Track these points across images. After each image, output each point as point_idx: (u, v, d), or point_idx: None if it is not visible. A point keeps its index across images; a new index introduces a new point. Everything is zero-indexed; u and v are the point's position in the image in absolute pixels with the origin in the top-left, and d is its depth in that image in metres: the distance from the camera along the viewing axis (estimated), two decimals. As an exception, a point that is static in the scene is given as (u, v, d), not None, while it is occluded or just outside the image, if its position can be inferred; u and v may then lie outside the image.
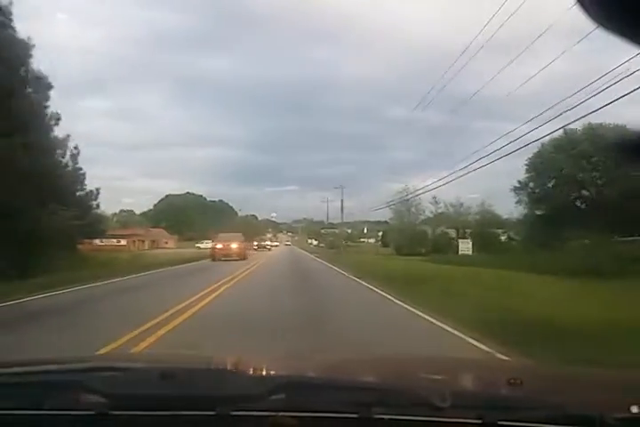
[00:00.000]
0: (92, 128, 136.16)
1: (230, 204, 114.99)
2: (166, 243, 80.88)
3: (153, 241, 74.89)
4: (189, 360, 2.00)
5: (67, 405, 1.24)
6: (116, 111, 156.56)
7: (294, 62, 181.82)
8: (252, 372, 1.41)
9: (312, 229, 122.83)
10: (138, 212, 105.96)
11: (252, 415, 1.19)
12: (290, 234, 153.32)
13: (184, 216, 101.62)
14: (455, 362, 2.39)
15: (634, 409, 1.10)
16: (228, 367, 1.54)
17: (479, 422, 1.12)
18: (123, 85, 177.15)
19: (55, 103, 24.69)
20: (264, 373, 1.48)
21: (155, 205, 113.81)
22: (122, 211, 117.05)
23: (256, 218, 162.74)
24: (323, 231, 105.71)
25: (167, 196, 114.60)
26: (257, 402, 1.19)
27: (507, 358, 5.37)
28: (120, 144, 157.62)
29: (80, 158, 23.16)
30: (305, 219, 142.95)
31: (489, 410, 1.14)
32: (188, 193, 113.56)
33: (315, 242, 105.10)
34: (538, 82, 15.60)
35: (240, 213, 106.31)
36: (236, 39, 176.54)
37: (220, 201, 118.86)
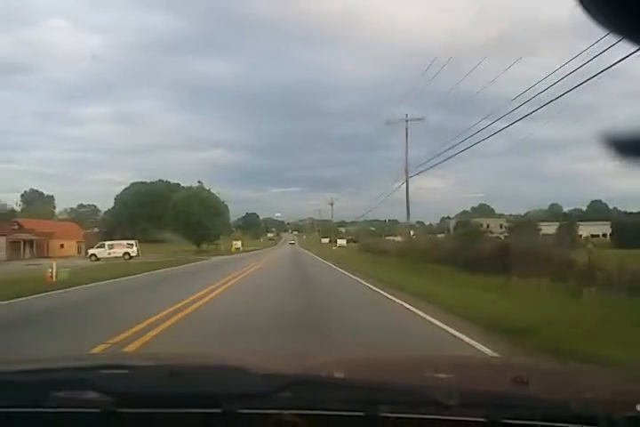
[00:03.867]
0: (93, 132, 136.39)
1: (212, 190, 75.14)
2: (62, 246, 52.19)
3: (16, 243, 45.71)
4: (195, 359, 2.01)
5: (74, 403, 1.24)
6: (118, 116, 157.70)
7: (297, 65, 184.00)
8: (258, 370, 1.42)
9: (326, 226, 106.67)
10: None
11: (259, 413, 1.19)
12: (296, 233, 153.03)
13: (149, 208, 73.69)
14: (461, 361, 2.39)
15: None
16: (234, 365, 1.55)
17: (485, 420, 1.12)
18: (124, 90, 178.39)
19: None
20: (270, 371, 1.48)
21: (116, 197, 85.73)
22: (80, 206, 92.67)
23: (257, 217, 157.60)
24: (341, 230, 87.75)
25: (132, 184, 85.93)
26: (263, 400, 1.19)
27: (512, 357, 5.34)
28: (122, 148, 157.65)
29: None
30: (311, 218, 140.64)
31: (495, 408, 1.14)
32: (160, 181, 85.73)
33: (341, 242, 71.80)
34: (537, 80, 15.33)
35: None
36: (238, 43, 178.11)
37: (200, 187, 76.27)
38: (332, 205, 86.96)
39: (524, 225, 46.50)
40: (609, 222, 54.29)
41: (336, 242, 75.12)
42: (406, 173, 31.08)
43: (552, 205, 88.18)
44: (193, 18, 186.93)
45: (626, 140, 0.93)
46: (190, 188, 66.90)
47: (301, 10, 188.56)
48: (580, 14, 0.81)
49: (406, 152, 31.17)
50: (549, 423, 1.11)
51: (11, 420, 1.27)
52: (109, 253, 43.78)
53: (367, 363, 1.98)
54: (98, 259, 42.01)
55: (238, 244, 68.98)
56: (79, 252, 53.04)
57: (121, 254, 43.71)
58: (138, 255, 44.21)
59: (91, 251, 45.28)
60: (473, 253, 17.20)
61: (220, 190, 65.82)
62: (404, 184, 32.60)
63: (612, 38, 0.86)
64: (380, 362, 2.01)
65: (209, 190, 64.98)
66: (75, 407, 1.24)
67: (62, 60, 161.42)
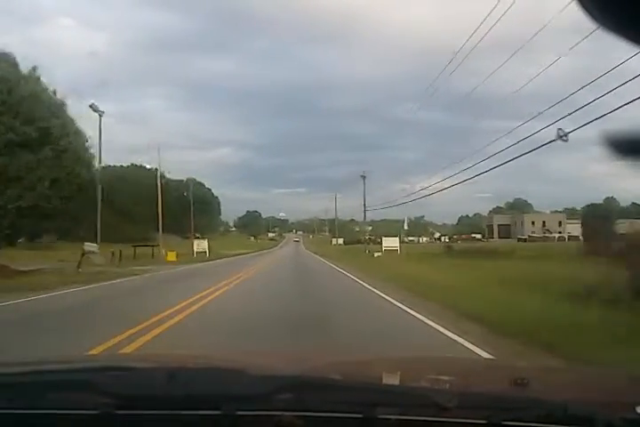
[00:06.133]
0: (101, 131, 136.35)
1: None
2: None
3: None
4: (195, 360, 2.01)
5: (72, 404, 1.24)
6: (121, 114, 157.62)
7: (302, 64, 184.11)
8: (257, 371, 1.41)
9: (341, 225, 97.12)
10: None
11: (258, 415, 1.19)
12: (300, 233, 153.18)
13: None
14: (460, 362, 2.39)
15: (639, 410, 1.10)
16: (234, 367, 1.55)
17: (484, 422, 1.12)
18: (127, 88, 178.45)
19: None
20: (269, 372, 1.48)
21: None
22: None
23: (259, 215, 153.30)
24: (357, 229, 75.11)
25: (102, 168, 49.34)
26: (262, 402, 1.19)
27: (510, 359, 5.33)
28: (124, 147, 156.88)
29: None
30: (317, 217, 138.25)
31: (494, 410, 1.14)
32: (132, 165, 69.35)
33: (390, 242, 42.58)
34: (543, 79, 15.33)
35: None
36: (243, 42, 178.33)
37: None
38: (364, 177, 57.44)
39: None
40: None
41: (379, 243, 44.89)
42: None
43: (607, 198, 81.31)
44: (199, 16, 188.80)
45: (626, 141, 0.93)
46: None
47: (306, 7, 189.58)
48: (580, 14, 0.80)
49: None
50: (550, 425, 1.11)
51: (8, 421, 1.27)
52: None
53: (367, 365, 1.97)
54: None
55: (203, 244, 49.39)
56: None
57: None
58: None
59: None
60: None
61: (220, 191, 48.30)
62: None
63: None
64: (379, 364, 2.00)
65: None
66: (73, 409, 1.24)
67: (66, 59, 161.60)
